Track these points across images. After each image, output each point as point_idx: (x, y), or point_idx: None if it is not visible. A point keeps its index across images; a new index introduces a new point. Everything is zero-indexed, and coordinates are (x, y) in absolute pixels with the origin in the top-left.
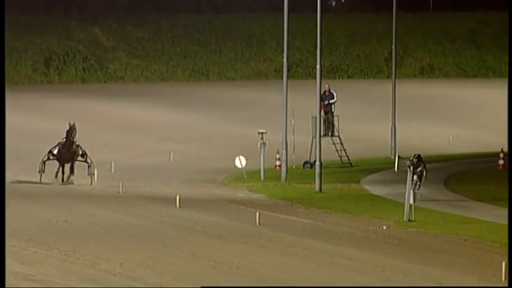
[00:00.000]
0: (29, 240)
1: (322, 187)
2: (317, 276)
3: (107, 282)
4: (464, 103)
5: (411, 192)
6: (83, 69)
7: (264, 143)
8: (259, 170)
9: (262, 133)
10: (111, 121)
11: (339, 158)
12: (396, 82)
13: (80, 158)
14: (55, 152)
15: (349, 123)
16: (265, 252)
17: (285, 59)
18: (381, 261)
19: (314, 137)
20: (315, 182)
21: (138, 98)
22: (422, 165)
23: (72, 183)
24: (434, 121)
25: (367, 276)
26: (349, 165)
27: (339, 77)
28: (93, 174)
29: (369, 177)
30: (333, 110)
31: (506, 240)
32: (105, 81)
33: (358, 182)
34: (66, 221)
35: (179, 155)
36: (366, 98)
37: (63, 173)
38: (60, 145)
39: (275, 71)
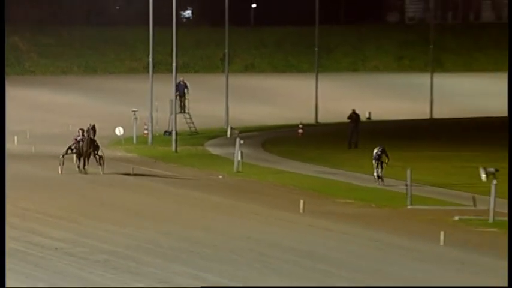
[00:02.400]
0: None
1: (177, 149)
2: (171, 210)
3: (23, 216)
4: (275, 90)
5: (239, 152)
6: (6, 65)
7: (136, 118)
8: (133, 137)
9: (134, 111)
10: (26, 103)
11: (188, 128)
12: (228, 76)
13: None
14: (73, 147)
15: (196, 104)
16: (136, 194)
17: (150, 59)
18: (218, 200)
19: (171, 113)
20: (172, 145)
21: (45, 87)
22: (385, 155)
23: (87, 173)
24: (254, 103)
25: (207, 211)
26: (196, 133)
27: (188, 72)
28: (103, 164)
29: (210, 142)
30: (186, 95)
31: (304, 185)
32: (22, 75)
33: (202, 145)
34: None
35: (75, 127)
36: (207, 86)
37: (84, 164)
38: (80, 141)
39: (144, 67)
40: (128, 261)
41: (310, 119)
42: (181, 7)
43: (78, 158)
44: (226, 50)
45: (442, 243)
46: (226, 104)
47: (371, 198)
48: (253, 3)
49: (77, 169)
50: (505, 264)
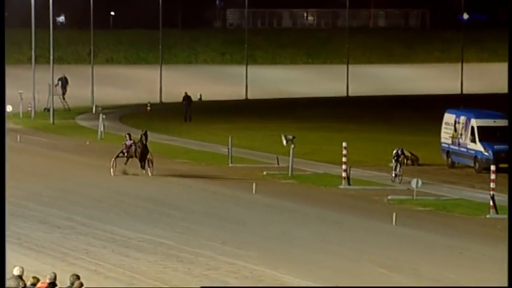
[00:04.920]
0: None
1: (54, 121)
2: (51, 169)
3: None
4: (129, 77)
5: (102, 124)
6: None
7: (22, 98)
8: (19, 112)
9: (21, 93)
10: None
11: (63, 106)
12: (93, 66)
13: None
14: (124, 151)
15: (68, 88)
16: (29, 156)
17: (33, 53)
18: (86, 161)
19: (50, 95)
20: (50, 119)
21: None
22: (403, 155)
23: (139, 175)
24: (114, 87)
25: (78, 169)
26: (69, 110)
27: (62, 64)
28: (152, 166)
29: (79, 116)
30: (67, 86)
31: (152, 149)
32: None
33: (73, 119)
34: None
35: None
36: (77, 75)
37: (142, 167)
38: (131, 145)
39: (28, 59)
40: (17, 207)
41: (156, 99)
42: (56, 14)
43: (127, 160)
44: (92, 47)
45: (254, 191)
46: (92, 88)
47: (201, 159)
48: (111, 11)
49: (124, 167)
50: (300, 207)
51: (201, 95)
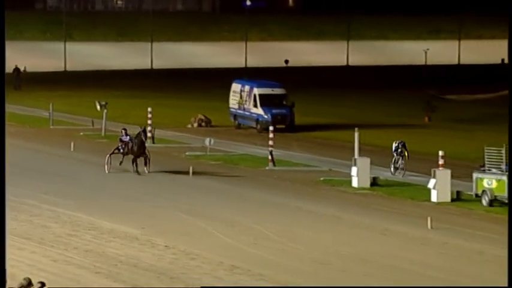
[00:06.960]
0: None
1: None
2: None
3: None
4: None
5: None
6: None
7: None
8: None
9: None
10: None
11: None
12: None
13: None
14: (119, 147)
15: None
16: None
17: None
18: None
19: None
20: None
21: None
22: (404, 149)
23: (140, 173)
24: None
25: None
26: None
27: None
28: (149, 163)
29: None
30: None
31: None
32: None
33: None
34: None
35: None
36: None
37: (136, 165)
38: (129, 142)
39: None
40: None
41: None
42: None
43: (123, 156)
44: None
45: (72, 149)
46: None
47: (26, 122)
48: None
49: (118, 165)
50: (112, 162)
51: (25, 67)
